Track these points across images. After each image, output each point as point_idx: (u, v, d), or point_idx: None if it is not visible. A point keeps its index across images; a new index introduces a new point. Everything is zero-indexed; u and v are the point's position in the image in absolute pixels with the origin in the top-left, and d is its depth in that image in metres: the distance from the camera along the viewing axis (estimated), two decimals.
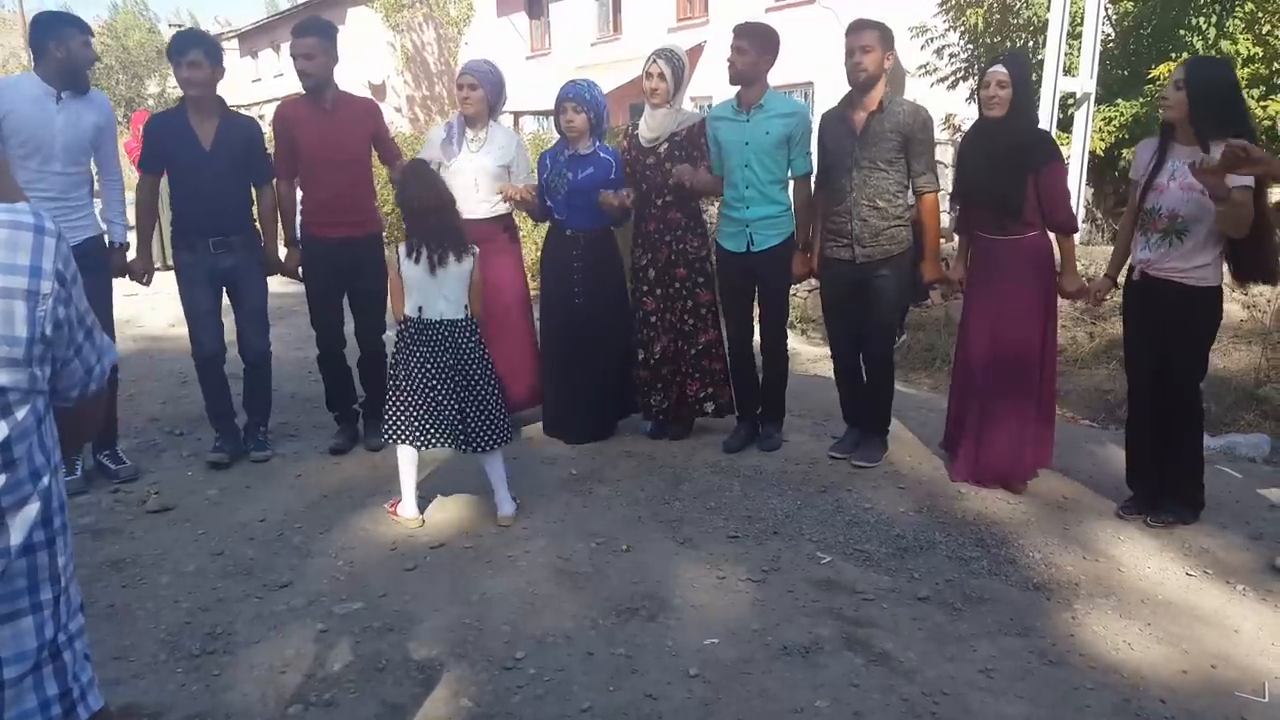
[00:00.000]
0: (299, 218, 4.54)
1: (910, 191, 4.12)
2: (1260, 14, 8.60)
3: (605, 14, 21.88)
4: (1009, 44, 9.89)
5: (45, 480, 1.08)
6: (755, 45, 4.12)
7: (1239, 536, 3.55)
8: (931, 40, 10.70)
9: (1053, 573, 3.28)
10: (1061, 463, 4.25)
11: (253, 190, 4.37)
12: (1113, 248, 3.74)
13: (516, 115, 18.43)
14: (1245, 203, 3.15)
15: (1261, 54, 8.56)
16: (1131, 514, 3.71)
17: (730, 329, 4.51)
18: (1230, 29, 8.54)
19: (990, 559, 3.39)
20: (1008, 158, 3.70)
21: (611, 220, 4.52)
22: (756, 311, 4.55)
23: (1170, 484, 3.65)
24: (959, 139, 9.27)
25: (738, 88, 4.22)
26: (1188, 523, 3.63)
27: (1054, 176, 3.75)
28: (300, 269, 4.51)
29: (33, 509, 1.07)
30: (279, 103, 4.83)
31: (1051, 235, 3.83)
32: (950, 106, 11.15)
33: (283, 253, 4.53)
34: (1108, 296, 3.81)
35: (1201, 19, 8.47)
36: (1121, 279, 3.81)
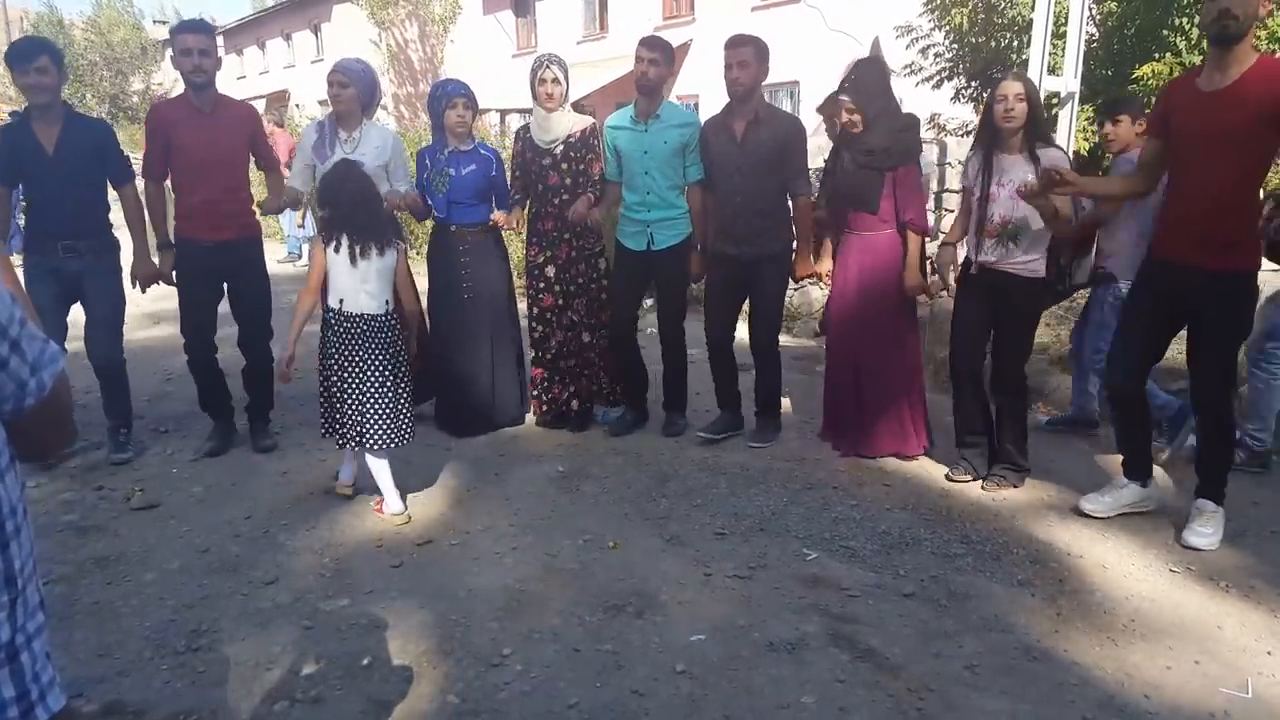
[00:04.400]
0: (172, 221, 4.44)
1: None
2: None
3: (592, 12, 21.85)
4: (994, 43, 9.91)
5: None
6: (666, 58, 4.35)
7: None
8: (917, 40, 10.71)
9: (1037, 569, 3.30)
10: (1045, 461, 4.27)
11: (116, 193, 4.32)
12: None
13: (503, 113, 18.38)
14: (1066, 212, 3.65)
15: None
16: (964, 479, 4.05)
17: (619, 321, 4.68)
18: None
19: (975, 556, 3.40)
20: (868, 159, 4.03)
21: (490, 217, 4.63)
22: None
23: (1000, 451, 4.03)
24: (945, 139, 9.31)
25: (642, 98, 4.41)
26: (1016, 486, 3.98)
27: (908, 177, 4.05)
28: (174, 273, 4.40)
29: None
30: (154, 102, 4.78)
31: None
32: (936, 106, 11.18)
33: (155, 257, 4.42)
34: (944, 293, 4.20)
35: (1185, 19, 8.51)
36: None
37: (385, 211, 3.82)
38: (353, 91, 4.36)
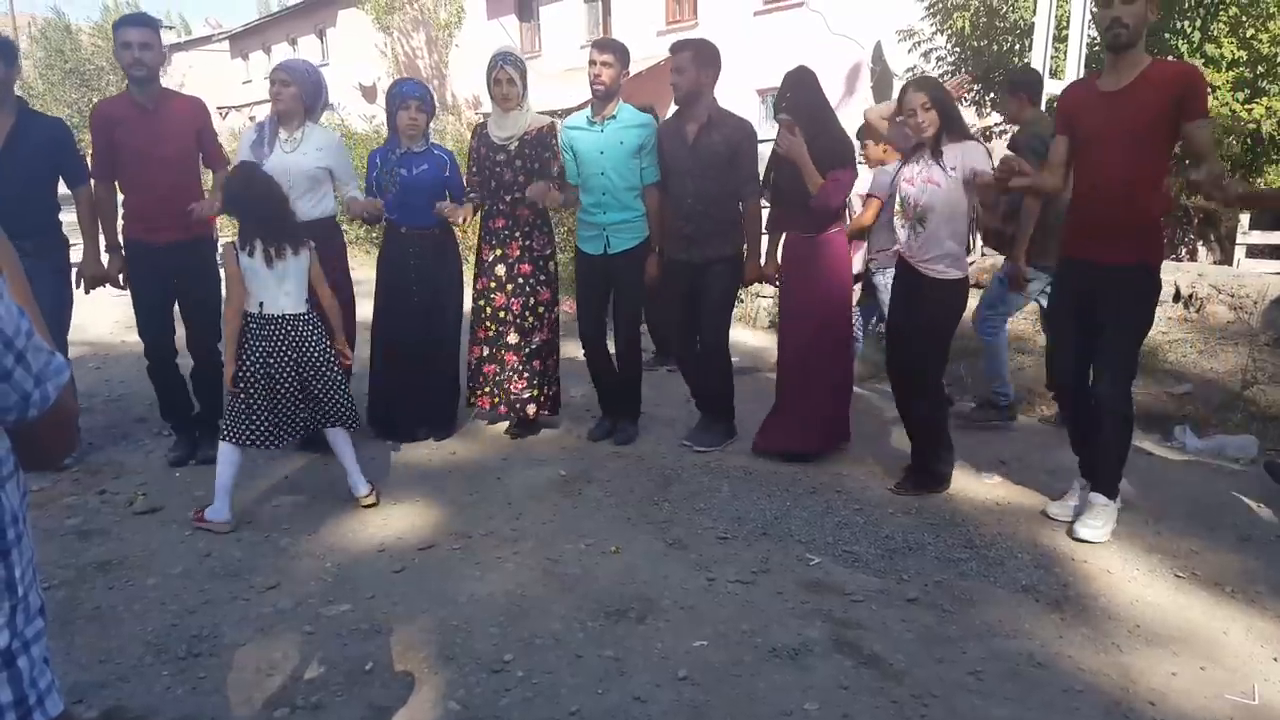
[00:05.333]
0: (120, 221, 4.41)
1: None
2: (1244, 18, 8.66)
3: (595, 17, 21.88)
4: (996, 47, 9.92)
5: None
6: (620, 60, 4.38)
7: (1228, 538, 3.57)
8: (919, 44, 10.72)
9: (1041, 574, 3.29)
10: (1049, 463, 4.26)
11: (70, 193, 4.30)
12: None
13: None
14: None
15: (1245, 57, 8.62)
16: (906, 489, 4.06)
17: (584, 328, 4.71)
18: (1215, 32, 8.59)
19: (979, 560, 3.39)
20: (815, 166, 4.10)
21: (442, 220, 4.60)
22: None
23: (915, 458, 4.10)
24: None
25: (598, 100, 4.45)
26: (934, 491, 4.01)
27: (843, 176, 4.23)
28: (123, 275, 4.37)
29: None
30: (98, 101, 4.70)
31: None
32: None
33: (104, 259, 4.40)
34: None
35: (1186, 23, 8.51)
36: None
37: (290, 211, 3.83)
38: (294, 90, 4.32)
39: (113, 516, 3.86)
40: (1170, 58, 8.41)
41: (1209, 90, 3.26)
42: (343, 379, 3.82)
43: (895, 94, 4.40)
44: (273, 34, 32.96)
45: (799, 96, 4.17)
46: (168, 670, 2.73)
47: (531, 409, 4.72)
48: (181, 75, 34.16)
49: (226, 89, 32.46)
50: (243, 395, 3.64)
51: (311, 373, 3.71)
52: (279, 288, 3.65)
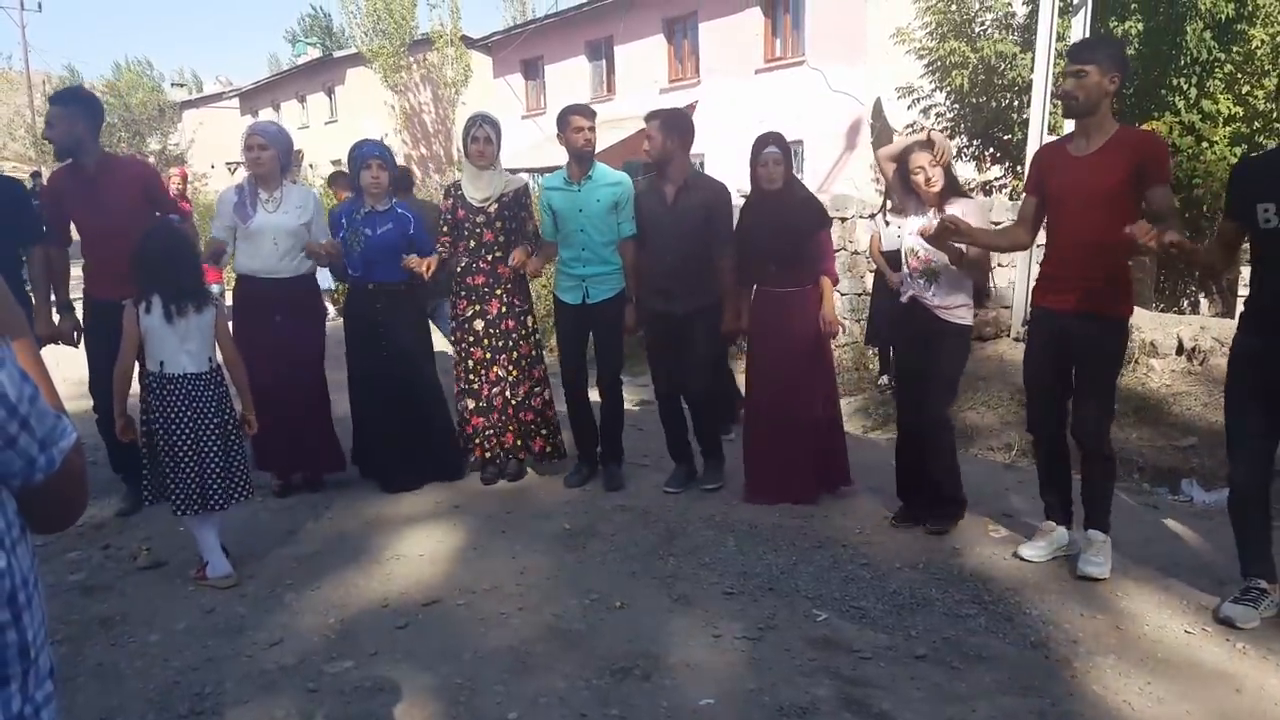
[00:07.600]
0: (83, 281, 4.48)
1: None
2: (1239, 74, 8.81)
3: (599, 75, 22.27)
4: (994, 104, 10.08)
5: (1, 561, 1.05)
6: (595, 124, 4.60)
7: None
8: (918, 100, 10.90)
9: (1051, 630, 3.26)
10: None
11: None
12: None
13: (511, 172, 18.59)
14: (974, 256, 3.89)
15: (1242, 113, 8.76)
16: (905, 524, 4.20)
17: (567, 375, 4.82)
18: (1211, 89, 8.73)
19: (988, 616, 3.36)
20: (795, 221, 4.35)
21: (408, 275, 4.65)
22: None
23: (936, 493, 4.17)
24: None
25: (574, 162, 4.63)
26: (959, 518, 4.17)
27: (827, 237, 4.56)
28: (75, 333, 4.46)
29: None
30: (50, 173, 4.84)
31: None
32: None
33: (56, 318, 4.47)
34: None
35: (1183, 79, 8.66)
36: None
37: (198, 269, 3.77)
38: (273, 153, 4.48)
39: (116, 571, 3.85)
40: (1167, 114, 8.56)
41: (1172, 155, 3.53)
42: (240, 449, 3.71)
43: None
44: (282, 92, 33.56)
45: (784, 140, 4.35)
46: None
47: (523, 455, 4.86)
48: (192, 132, 34.74)
49: (236, 145, 32.80)
50: (148, 457, 3.58)
51: (207, 435, 3.57)
52: (180, 347, 3.54)
